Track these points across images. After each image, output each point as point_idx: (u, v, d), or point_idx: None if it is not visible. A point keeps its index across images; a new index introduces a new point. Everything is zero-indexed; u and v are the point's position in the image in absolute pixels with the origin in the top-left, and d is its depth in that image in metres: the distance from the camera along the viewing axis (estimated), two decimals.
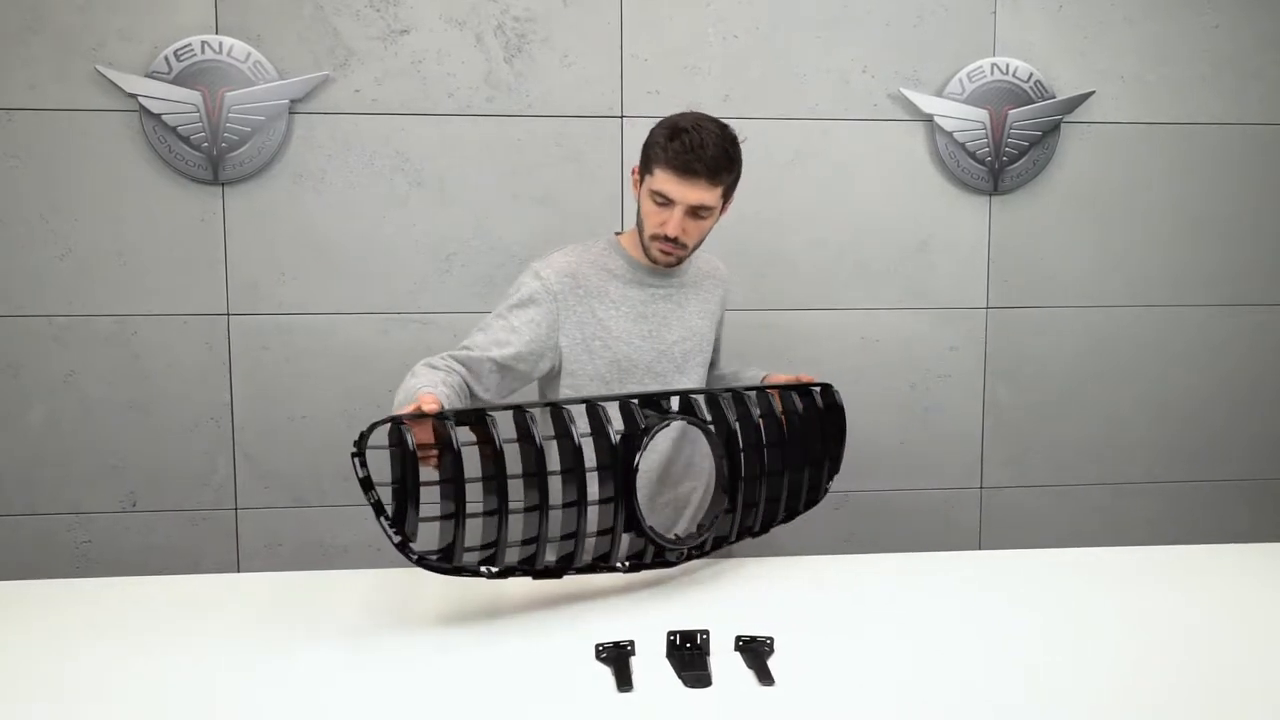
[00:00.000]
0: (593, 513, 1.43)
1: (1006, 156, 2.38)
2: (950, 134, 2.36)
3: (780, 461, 1.58)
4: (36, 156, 2.16)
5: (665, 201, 1.57)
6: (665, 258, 1.64)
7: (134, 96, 2.14)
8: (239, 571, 2.30)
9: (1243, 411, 2.55)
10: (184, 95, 2.15)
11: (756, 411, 1.56)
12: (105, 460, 2.26)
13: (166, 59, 2.15)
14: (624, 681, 1.20)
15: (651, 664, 1.25)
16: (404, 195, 2.27)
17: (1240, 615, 1.44)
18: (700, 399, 1.53)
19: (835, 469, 1.67)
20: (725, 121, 1.60)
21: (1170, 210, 2.48)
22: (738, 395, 1.55)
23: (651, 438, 1.44)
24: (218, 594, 1.50)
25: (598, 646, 1.27)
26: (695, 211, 1.57)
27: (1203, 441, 2.55)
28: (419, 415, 1.32)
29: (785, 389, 1.62)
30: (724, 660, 1.26)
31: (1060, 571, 1.62)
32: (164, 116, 2.15)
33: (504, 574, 1.35)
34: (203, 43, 2.15)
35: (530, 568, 1.37)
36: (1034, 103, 2.37)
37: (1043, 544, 2.44)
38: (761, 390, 1.60)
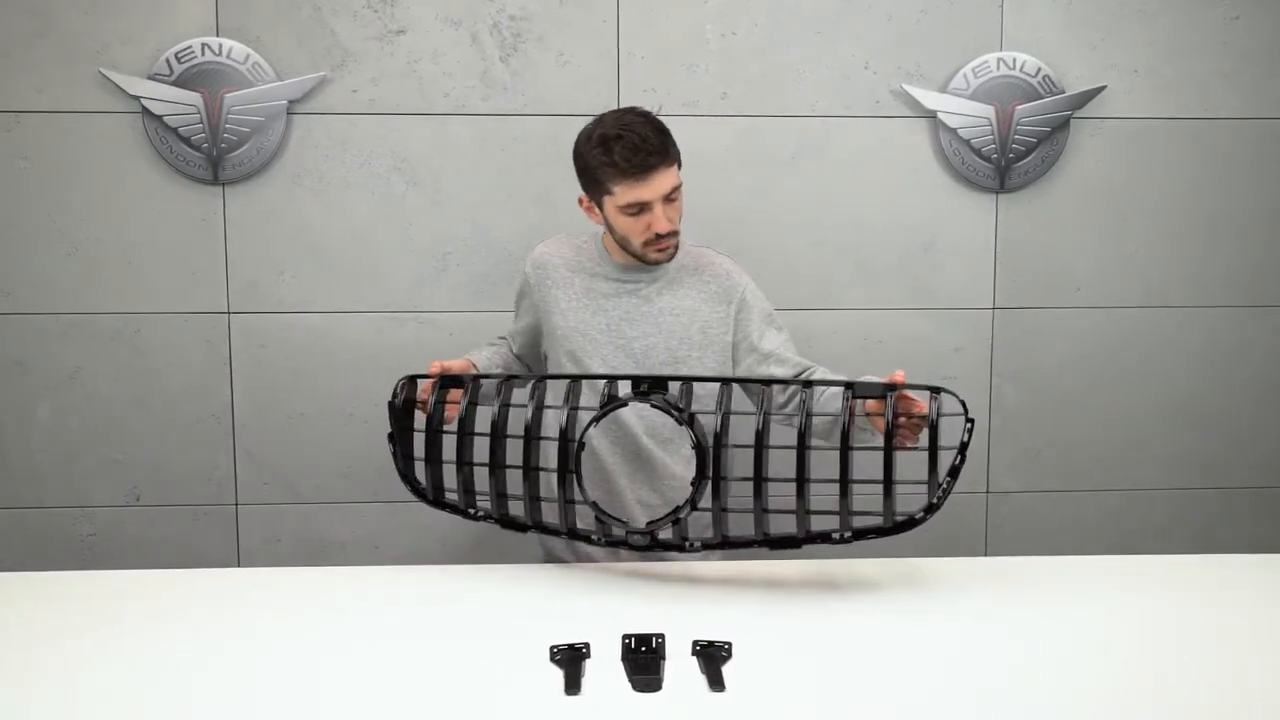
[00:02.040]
0: (544, 479, 1.52)
1: (1013, 153, 2.32)
2: (954, 131, 2.31)
3: (801, 470, 1.39)
4: (43, 157, 2.21)
5: (640, 208, 1.56)
6: (666, 253, 1.65)
7: (137, 98, 2.18)
8: (239, 566, 2.33)
9: (1262, 415, 2.46)
10: (185, 97, 2.19)
11: (777, 406, 1.51)
12: (110, 455, 2.31)
13: (168, 61, 2.18)
14: (572, 684, 1.19)
15: (605, 667, 1.23)
16: (401, 195, 2.28)
17: (1257, 628, 1.38)
18: (712, 387, 1.47)
19: (936, 500, 1.35)
20: (631, 105, 1.64)
21: (1185, 208, 2.40)
22: (756, 388, 1.44)
23: (604, 415, 1.46)
24: (217, 588, 1.52)
25: (552, 648, 1.26)
26: (668, 197, 1.58)
27: (1220, 446, 2.47)
28: (425, 376, 1.57)
29: (844, 385, 1.40)
30: (680, 665, 1.24)
31: (1067, 580, 1.56)
32: (165, 118, 2.19)
33: (483, 519, 1.53)
34: (203, 45, 2.18)
35: (497, 518, 1.51)
36: (1042, 98, 2.31)
37: (1051, 551, 2.38)
38: (808, 385, 1.43)
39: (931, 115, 2.31)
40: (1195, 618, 1.41)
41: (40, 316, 2.25)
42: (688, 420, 1.44)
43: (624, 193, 1.55)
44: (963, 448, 1.35)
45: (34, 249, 2.23)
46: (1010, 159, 2.33)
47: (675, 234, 1.62)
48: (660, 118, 1.62)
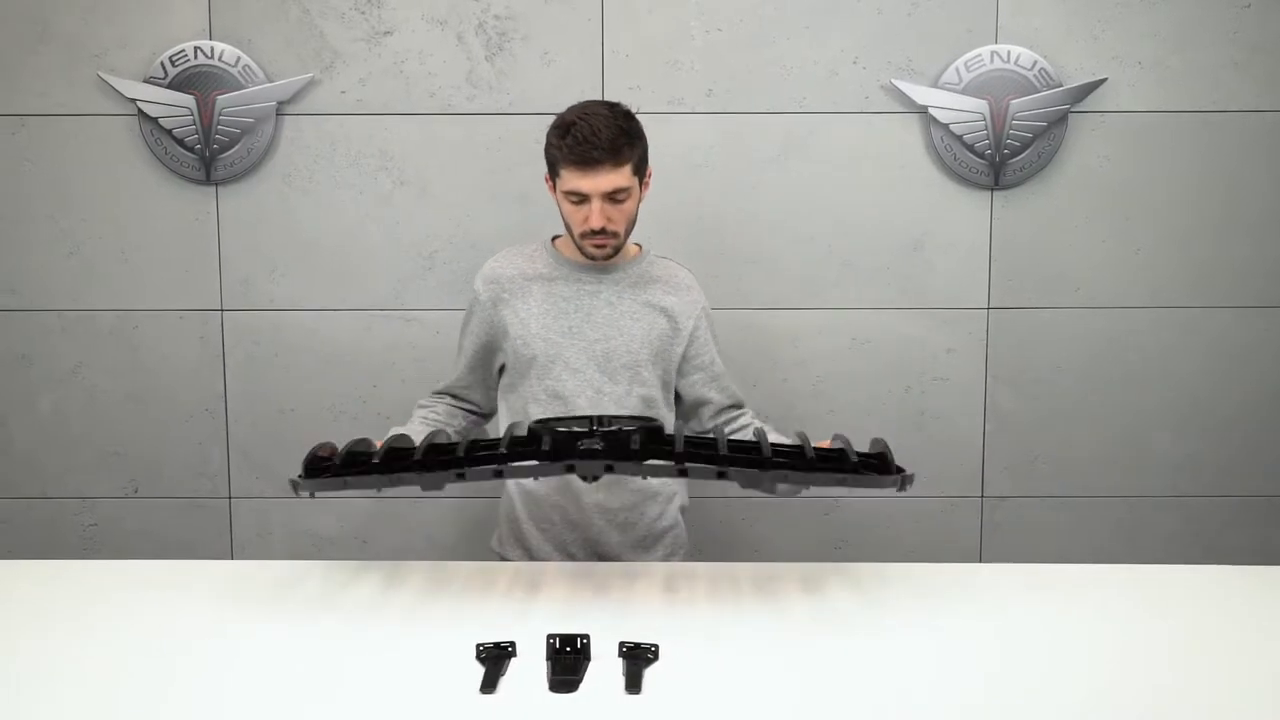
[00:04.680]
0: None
1: (1008, 149, 2.26)
2: (946, 126, 2.25)
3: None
4: (46, 159, 2.28)
5: (580, 198, 1.57)
6: (601, 250, 1.64)
7: (133, 101, 2.24)
8: (233, 558, 2.39)
9: (1274, 420, 2.36)
10: (178, 99, 2.24)
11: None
12: (110, 448, 2.37)
13: (162, 64, 2.23)
14: (488, 683, 1.18)
15: (529, 666, 1.23)
16: (388, 194, 2.30)
17: (1265, 643, 1.32)
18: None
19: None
20: (617, 101, 1.60)
21: (1193, 204, 2.31)
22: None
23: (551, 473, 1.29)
24: (209, 580, 1.55)
25: (478, 646, 1.26)
26: (612, 197, 1.57)
27: (1230, 453, 2.37)
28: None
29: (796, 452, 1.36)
30: (605, 666, 1.23)
31: (1060, 588, 1.50)
32: (160, 120, 2.24)
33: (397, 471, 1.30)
34: (195, 48, 2.23)
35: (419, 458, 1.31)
36: (1038, 92, 2.25)
37: (1049, 559, 2.31)
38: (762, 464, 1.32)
39: (922, 110, 2.26)
40: (1199, 631, 1.35)
41: (43, 313, 2.33)
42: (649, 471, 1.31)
43: (566, 179, 1.57)
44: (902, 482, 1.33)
45: (37, 248, 2.31)
46: (1005, 155, 2.26)
47: (613, 235, 1.61)
48: (637, 116, 1.60)
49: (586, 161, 1.52)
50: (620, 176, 1.55)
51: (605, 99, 1.66)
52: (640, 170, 1.60)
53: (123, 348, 2.34)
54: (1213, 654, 1.28)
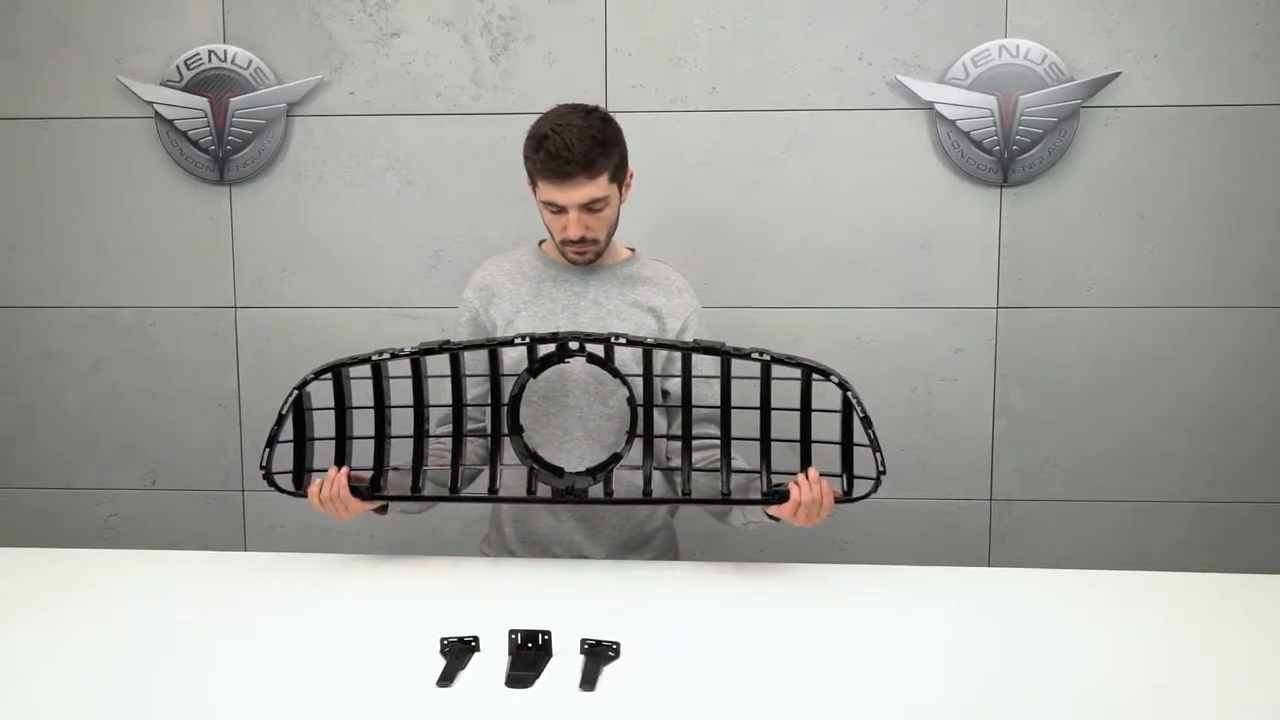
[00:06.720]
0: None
1: (1017, 146, 2.22)
2: (953, 123, 2.22)
3: (726, 431, 1.53)
4: (67, 161, 2.36)
5: (558, 209, 1.57)
6: (581, 257, 1.64)
7: (150, 104, 2.31)
8: (246, 550, 2.44)
9: None
10: (193, 102, 2.30)
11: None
12: (129, 441, 2.45)
13: (178, 68, 2.30)
14: (446, 677, 1.20)
15: (491, 661, 1.24)
16: (395, 194, 2.34)
17: (1274, 648, 1.29)
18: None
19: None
20: (595, 106, 1.59)
21: (1211, 201, 2.24)
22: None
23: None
24: (219, 570, 1.61)
25: (442, 640, 1.28)
26: (588, 207, 1.56)
27: (1246, 457, 2.30)
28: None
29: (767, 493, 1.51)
30: (567, 662, 1.24)
31: (1068, 594, 1.48)
32: (176, 122, 2.31)
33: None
34: (209, 51, 2.29)
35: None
36: (1049, 86, 2.20)
37: (1058, 564, 2.25)
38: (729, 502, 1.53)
39: (929, 107, 2.23)
40: (1209, 640, 1.32)
41: (65, 310, 2.41)
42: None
43: (543, 191, 1.57)
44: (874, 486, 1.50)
45: (58, 246, 2.39)
46: (1014, 151, 2.22)
47: (593, 242, 1.61)
48: (616, 118, 1.60)
49: (560, 175, 1.52)
50: (596, 187, 1.54)
51: (608, 102, 1.65)
52: (619, 176, 1.59)
53: (141, 343, 2.41)
54: (1222, 662, 1.25)
